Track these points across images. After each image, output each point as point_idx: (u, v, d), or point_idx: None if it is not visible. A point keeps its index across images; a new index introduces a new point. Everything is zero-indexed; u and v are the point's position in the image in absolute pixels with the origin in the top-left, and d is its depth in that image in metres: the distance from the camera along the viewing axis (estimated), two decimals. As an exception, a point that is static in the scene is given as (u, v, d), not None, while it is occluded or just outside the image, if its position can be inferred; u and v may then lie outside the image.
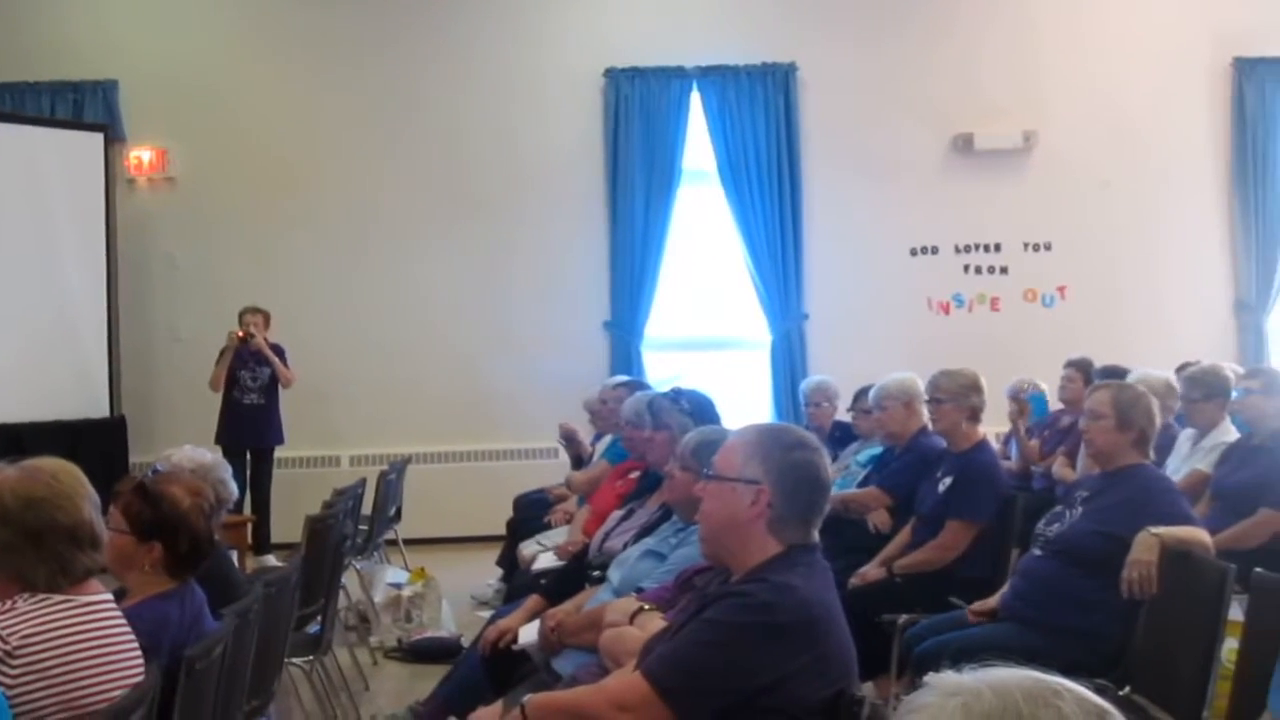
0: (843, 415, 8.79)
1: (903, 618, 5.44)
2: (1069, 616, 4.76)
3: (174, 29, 11.76)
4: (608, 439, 8.42)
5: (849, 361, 10.54)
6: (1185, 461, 6.87)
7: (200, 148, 11.66)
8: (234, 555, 6.68)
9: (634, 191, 11.74)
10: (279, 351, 10.65)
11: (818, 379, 9.34)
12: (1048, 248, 12.12)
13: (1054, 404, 9.20)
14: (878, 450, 7.38)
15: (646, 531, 5.06)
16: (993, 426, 7.33)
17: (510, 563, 8.47)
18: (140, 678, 3.15)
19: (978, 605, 5.13)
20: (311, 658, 5.88)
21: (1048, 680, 1.42)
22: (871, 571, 6.04)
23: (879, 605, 5.56)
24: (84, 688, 3.05)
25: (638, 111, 11.80)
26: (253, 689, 4.38)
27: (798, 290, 11.88)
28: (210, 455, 4.98)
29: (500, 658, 4.87)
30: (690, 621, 3.06)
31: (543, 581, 5.81)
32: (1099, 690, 1.45)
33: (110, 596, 3.31)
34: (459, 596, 8.78)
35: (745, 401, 11.37)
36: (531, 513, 8.86)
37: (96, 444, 10.35)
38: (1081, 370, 8.72)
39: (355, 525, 8.07)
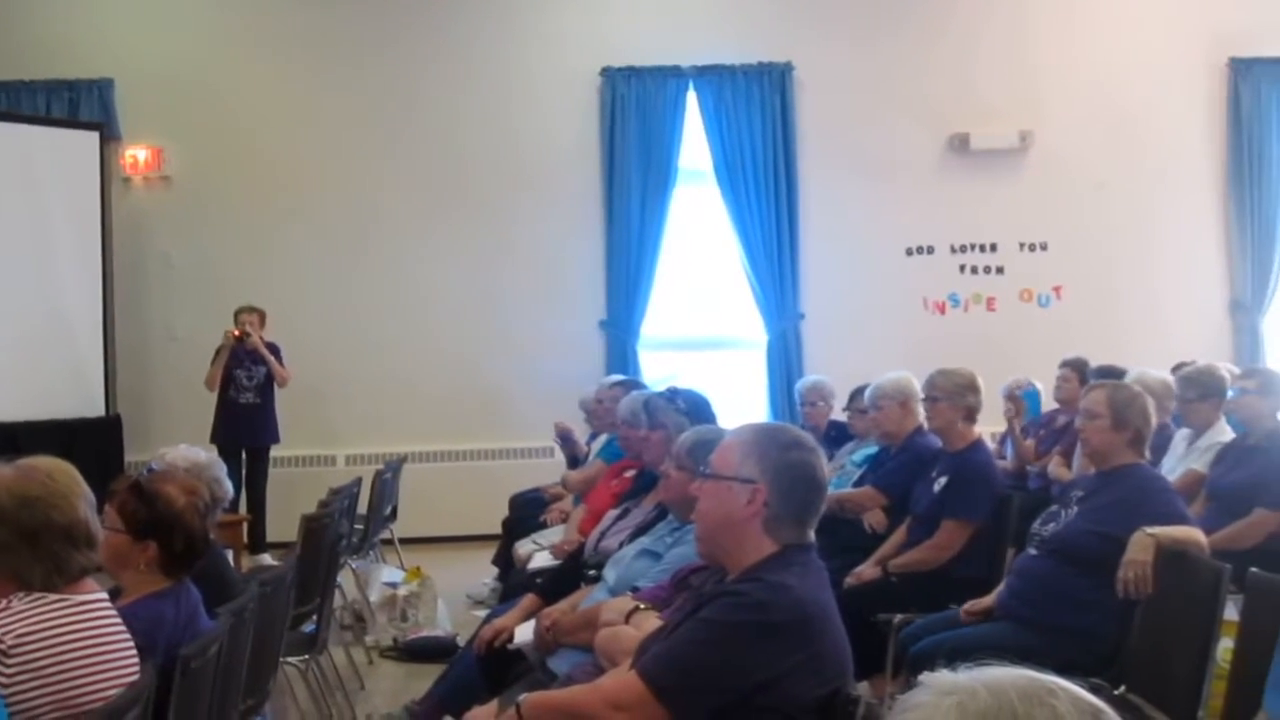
0: (838, 415, 8.79)
1: (898, 617, 5.43)
2: (1064, 616, 4.77)
3: (170, 28, 11.75)
4: (603, 438, 8.43)
5: (845, 361, 10.54)
6: (1181, 461, 6.87)
7: (196, 147, 11.65)
8: (229, 554, 6.66)
9: (630, 191, 11.74)
10: (274, 350, 10.64)
11: (813, 378, 9.33)
12: (1043, 248, 12.13)
13: (1049, 404, 9.21)
14: (873, 450, 7.38)
15: (642, 531, 5.06)
16: (988, 426, 7.33)
17: (506, 562, 8.47)
18: (135, 677, 3.16)
19: (972, 604, 5.13)
20: (307, 657, 5.88)
21: (1043, 679, 1.42)
22: (867, 571, 6.05)
23: (874, 604, 5.56)
24: (79, 687, 3.05)
25: (634, 111, 11.80)
26: (248, 688, 4.38)
27: (793, 290, 11.88)
28: (205, 454, 4.97)
29: (496, 657, 4.87)
30: (686, 620, 3.07)
31: (538, 581, 5.81)
32: (1094, 689, 1.45)
33: (105, 595, 3.31)
34: (454, 596, 8.78)
35: (741, 401, 11.35)
36: (527, 512, 8.85)
37: (92, 443, 10.34)
38: (1077, 370, 8.72)
39: (351, 524, 8.06)
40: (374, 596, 8.18)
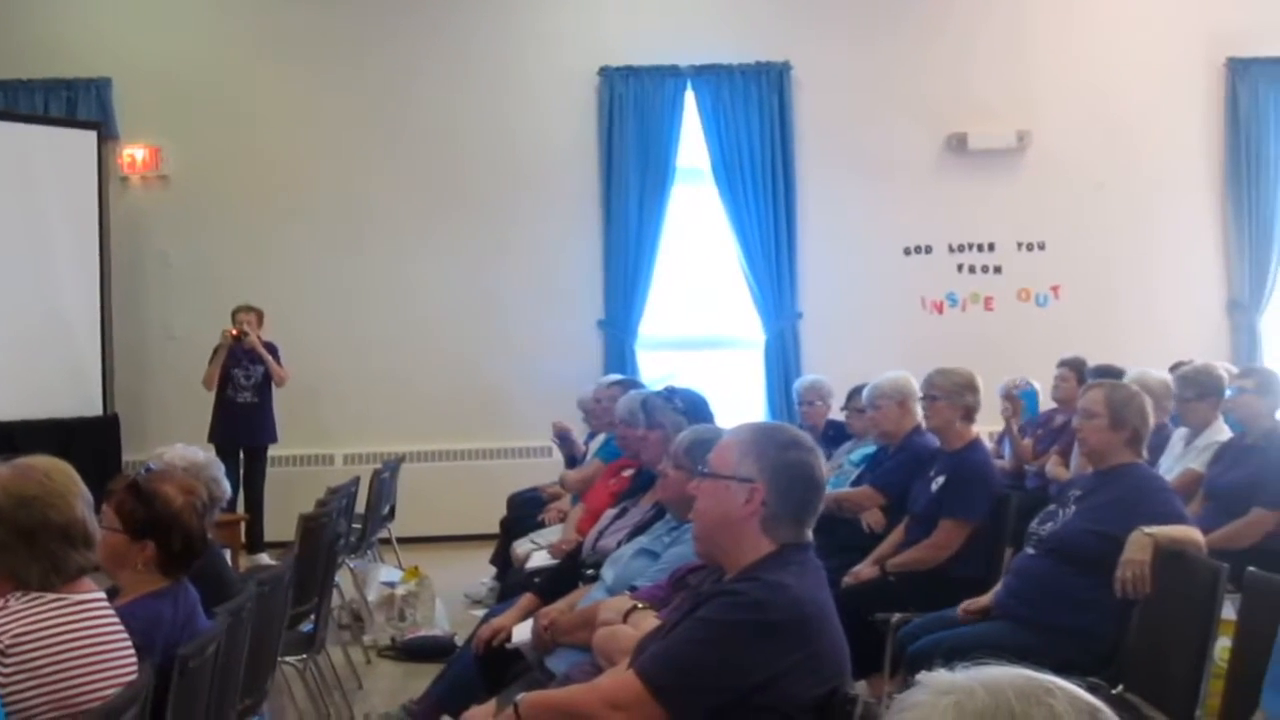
0: (836, 414, 8.80)
1: (896, 616, 5.44)
2: (1062, 615, 4.77)
3: (168, 27, 11.75)
4: (601, 437, 8.43)
5: (843, 360, 10.54)
6: (1178, 461, 6.88)
7: (194, 146, 11.64)
8: (227, 554, 6.67)
9: (628, 190, 11.74)
10: (272, 350, 10.64)
11: (811, 378, 9.34)
12: (1041, 247, 12.13)
13: (1047, 403, 9.21)
14: (871, 449, 7.38)
15: (640, 530, 5.06)
16: (986, 426, 7.33)
17: (504, 561, 8.47)
18: (133, 676, 3.16)
19: (969, 603, 5.13)
20: (305, 656, 5.88)
21: (1040, 678, 1.42)
22: (865, 570, 6.05)
23: (872, 604, 5.56)
24: (76, 686, 3.05)
25: (632, 110, 11.80)
26: (246, 688, 4.38)
27: (791, 289, 11.88)
28: (203, 454, 4.97)
29: (494, 656, 4.87)
30: (684, 620, 3.07)
31: (536, 580, 5.81)
32: (1092, 689, 1.45)
33: (103, 595, 3.31)
34: (452, 595, 8.77)
35: (739, 400, 11.34)
36: (525, 511, 8.85)
37: (89, 442, 10.34)
38: (1075, 370, 8.73)
39: (349, 524, 8.06)
40: (372, 596, 8.18)
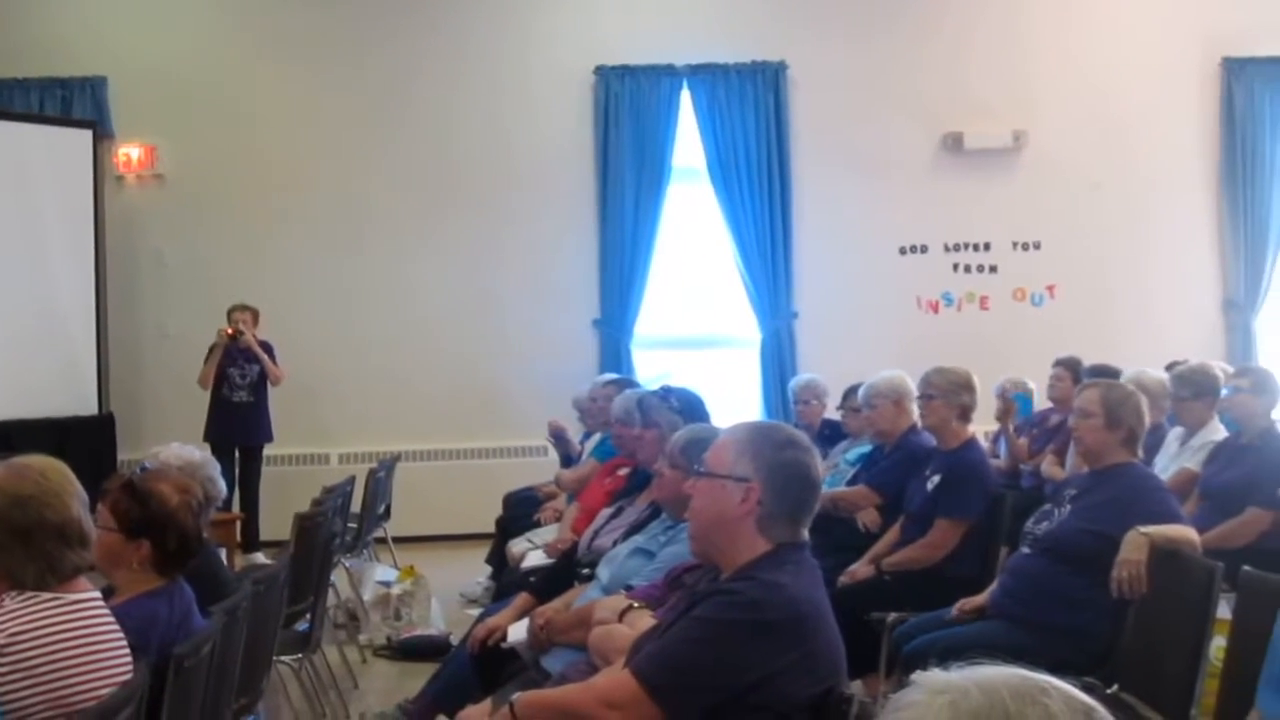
0: (832, 413, 8.80)
1: (891, 616, 5.44)
2: (1057, 614, 4.77)
3: (163, 26, 11.74)
4: (597, 437, 8.43)
5: (838, 360, 10.55)
6: (1174, 460, 6.88)
7: (189, 145, 11.64)
8: (222, 553, 6.66)
9: (624, 189, 11.74)
10: (268, 349, 10.63)
11: (806, 377, 9.35)
12: (1037, 247, 12.14)
13: (1043, 403, 9.22)
14: (867, 448, 7.38)
15: (636, 529, 5.06)
16: (982, 425, 7.33)
17: (499, 560, 8.47)
18: (128, 676, 3.15)
19: (964, 602, 5.13)
20: (300, 656, 5.88)
21: (1035, 678, 1.42)
22: (860, 570, 6.05)
23: (868, 603, 5.56)
24: (72, 686, 3.05)
25: (628, 109, 11.80)
26: (241, 687, 4.38)
27: (787, 288, 11.88)
28: (199, 453, 4.97)
29: (489, 655, 4.87)
30: (679, 619, 3.07)
31: (532, 579, 5.81)
32: (1087, 688, 1.45)
33: (98, 594, 3.31)
34: (448, 594, 8.78)
35: (735, 400, 11.35)
36: (521, 510, 8.85)
37: (85, 441, 10.34)
38: (1070, 369, 8.74)
39: (344, 523, 8.06)
40: (367, 595, 8.19)
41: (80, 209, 10.94)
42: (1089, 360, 8.75)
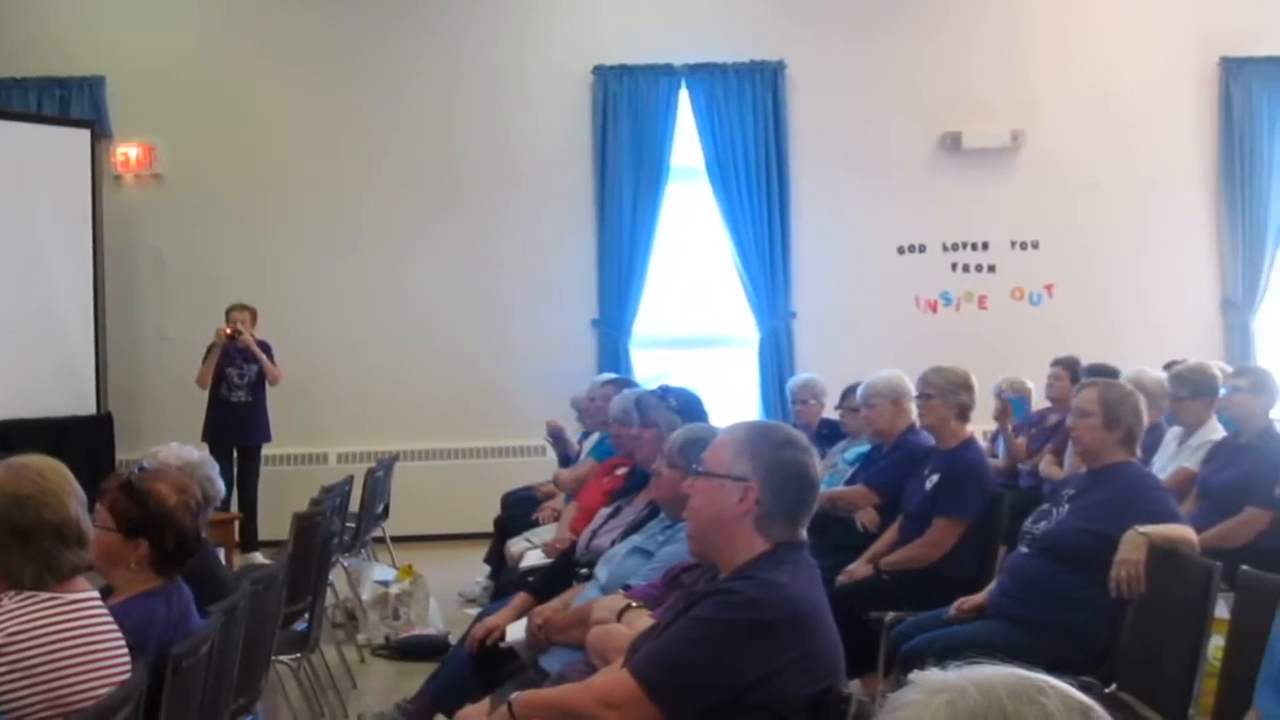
0: (830, 413, 8.80)
1: (890, 615, 5.44)
2: (1056, 614, 4.77)
3: (161, 25, 11.74)
4: (595, 436, 8.43)
5: (836, 359, 10.55)
6: (1172, 460, 6.88)
7: (187, 144, 11.63)
8: (221, 553, 6.66)
9: (622, 189, 11.74)
10: (266, 349, 10.63)
11: (804, 376, 9.35)
12: (1035, 246, 12.14)
13: (1041, 402, 9.22)
14: (865, 448, 7.39)
15: (634, 529, 5.06)
16: (980, 425, 7.34)
17: (498, 560, 8.47)
18: (126, 675, 3.15)
19: (963, 601, 5.13)
20: (299, 655, 5.88)
21: (1032, 677, 1.42)
22: (859, 569, 6.05)
23: (866, 603, 5.56)
24: (70, 685, 3.04)
25: (626, 109, 11.80)
26: (240, 687, 4.38)
27: (785, 288, 11.88)
28: (197, 452, 4.97)
29: (488, 655, 4.87)
30: (678, 619, 3.07)
31: (530, 579, 5.81)
32: (1084, 688, 1.45)
33: (96, 594, 3.31)
34: (446, 594, 8.77)
35: (733, 399, 11.36)
36: (519, 510, 8.86)
37: (83, 441, 10.34)
38: (1068, 369, 8.74)
39: (343, 522, 8.05)
40: (366, 595, 8.18)
41: (78, 209, 10.94)
42: (1087, 359, 8.75)
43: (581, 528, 6.07)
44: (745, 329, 11.99)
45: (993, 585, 5.13)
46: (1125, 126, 12.07)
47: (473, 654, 4.97)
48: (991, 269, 12.15)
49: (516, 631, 4.66)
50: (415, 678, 6.17)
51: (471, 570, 9.24)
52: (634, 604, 3.82)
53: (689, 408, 5.67)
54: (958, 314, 12.11)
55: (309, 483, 8.76)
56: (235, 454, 10.45)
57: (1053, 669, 1.46)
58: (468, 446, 11.66)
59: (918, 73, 12.01)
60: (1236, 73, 12.14)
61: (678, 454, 4.32)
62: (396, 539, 10.01)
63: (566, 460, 9.07)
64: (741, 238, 11.77)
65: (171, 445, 4.94)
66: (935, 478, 5.96)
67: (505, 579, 7.10)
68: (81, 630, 3.14)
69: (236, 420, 10.57)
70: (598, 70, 11.79)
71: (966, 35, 12.07)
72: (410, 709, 5.47)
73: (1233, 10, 12.10)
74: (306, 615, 6.11)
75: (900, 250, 12.08)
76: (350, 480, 8.40)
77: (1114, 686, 4.46)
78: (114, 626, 3.26)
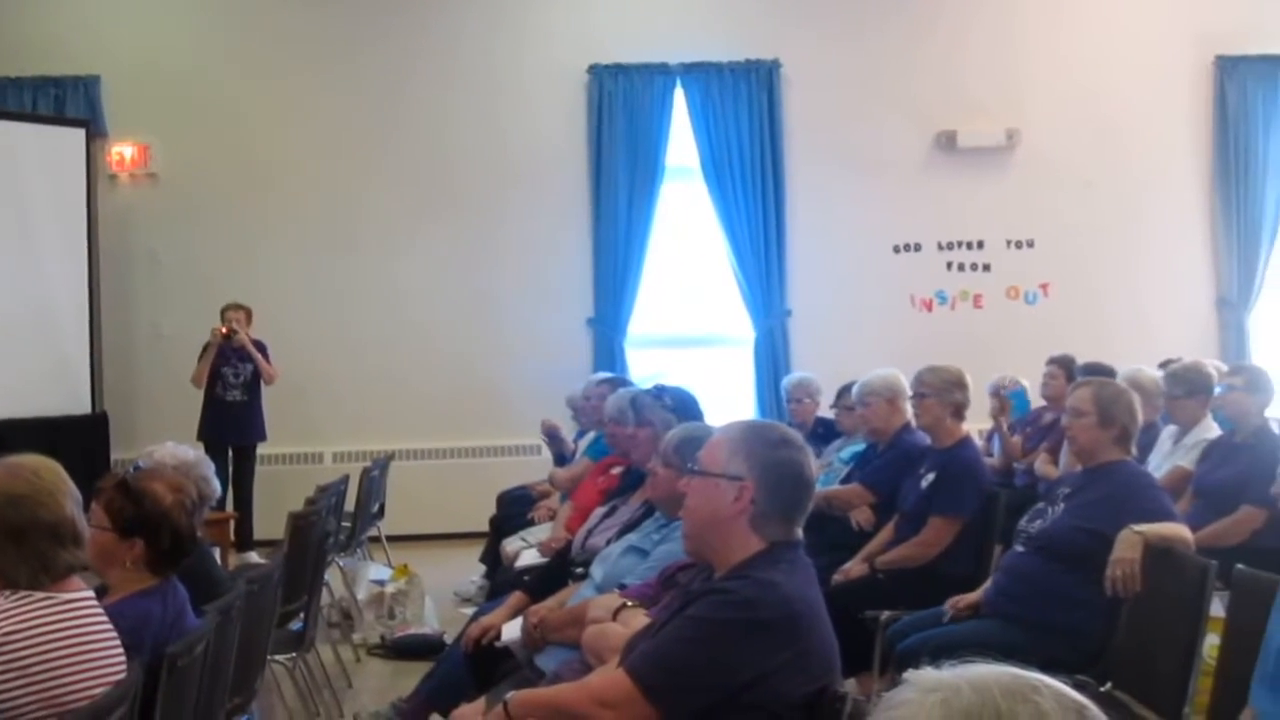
0: (825, 412, 8.81)
1: (885, 614, 5.44)
2: (1051, 612, 4.77)
3: (157, 25, 11.73)
4: (591, 435, 8.43)
5: (832, 358, 10.56)
6: (1167, 458, 6.89)
7: (183, 144, 11.62)
8: (216, 552, 6.68)
9: (617, 188, 11.73)
10: (261, 348, 10.62)
11: (799, 375, 9.36)
12: (1030, 245, 12.14)
13: (1036, 401, 9.22)
14: (860, 447, 7.39)
15: (629, 528, 5.06)
16: (976, 424, 7.34)
17: (493, 559, 8.48)
18: (122, 675, 3.15)
19: (958, 599, 5.14)
20: (294, 655, 5.88)
21: (1026, 676, 1.42)
22: (854, 568, 6.05)
23: (862, 602, 5.56)
24: (65, 685, 3.04)
25: (621, 108, 11.79)
26: (235, 686, 4.38)
27: (781, 287, 11.88)
28: (193, 452, 4.96)
29: (483, 654, 4.87)
30: (673, 618, 3.07)
31: (526, 578, 5.81)
32: (1079, 686, 1.45)
33: (92, 594, 3.31)
34: (442, 593, 8.77)
35: (728, 398, 11.35)
36: (514, 509, 8.86)
37: (78, 440, 10.31)
38: (1064, 367, 8.74)
39: (338, 522, 8.05)
40: (361, 594, 8.18)
41: (73, 208, 10.92)
42: (1082, 358, 8.75)
43: (577, 527, 6.07)
44: (740, 328, 11.99)
45: (988, 584, 5.14)
46: (1120, 125, 12.07)
47: (468, 653, 4.97)
48: (987, 268, 12.15)
49: (512, 631, 4.66)
50: (411, 677, 6.18)
51: (467, 569, 9.24)
52: (629, 603, 3.83)
53: (684, 407, 5.68)
54: (953, 313, 12.12)
55: (304, 482, 8.75)
56: (230, 453, 10.45)
57: (1048, 668, 1.46)
58: (463, 446, 11.66)
59: (913, 71, 12.01)
60: (1231, 71, 12.14)
61: (673, 453, 4.32)
62: (392, 538, 10.01)
63: (562, 459, 9.07)
64: (737, 236, 11.77)
65: (167, 444, 4.94)
66: (931, 476, 5.96)
67: (501, 578, 7.10)
68: (77, 630, 3.14)
69: (232, 419, 10.57)
70: (593, 69, 11.78)
71: (961, 34, 12.07)
72: (406, 708, 5.47)
73: (1227, 9, 12.10)
74: (302, 615, 6.11)
75: (895, 249, 12.09)
76: (346, 479, 8.40)
77: (1109, 685, 4.46)
78: (109, 626, 3.26)
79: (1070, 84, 12.09)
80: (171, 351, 11.14)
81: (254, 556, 9.91)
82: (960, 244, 12.13)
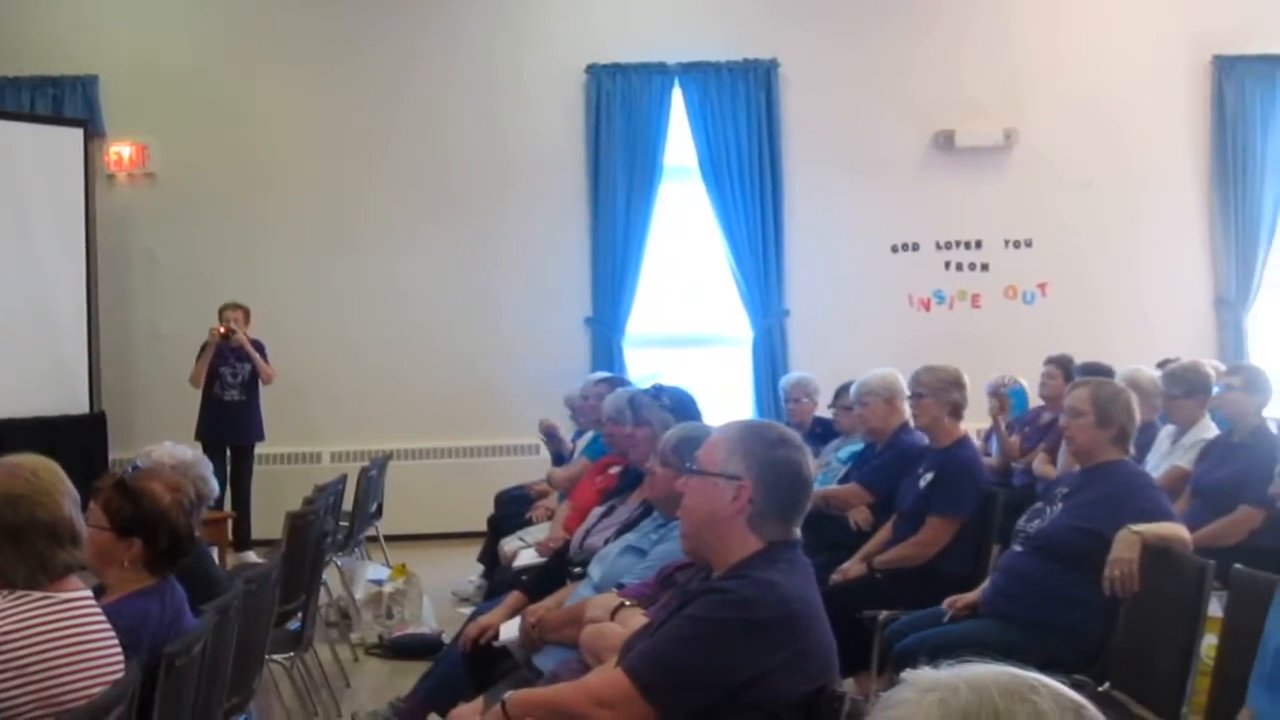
0: (823, 411, 8.80)
1: (883, 614, 5.44)
2: (1049, 612, 4.78)
3: (155, 24, 11.72)
4: (589, 435, 8.43)
5: (830, 358, 10.56)
6: (1165, 458, 6.90)
7: (180, 143, 11.62)
8: (214, 552, 6.67)
9: (616, 188, 11.73)
10: (259, 347, 10.62)
11: (797, 375, 9.35)
12: (1028, 244, 12.14)
13: (1034, 400, 9.22)
14: (859, 446, 7.39)
15: (627, 528, 5.06)
16: (974, 423, 7.34)
17: (491, 559, 8.47)
18: (119, 674, 3.15)
19: (956, 597, 5.14)
20: (292, 654, 5.88)
21: (1024, 676, 1.42)
22: (852, 568, 6.06)
23: (860, 601, 5.56)
24: (63, 685, 3.04)
25: (619, 108, 11.79)
26: (233, 686, 4.38)
27: (779, 286, 11.88)
28: (191, 452, 4.96)
29: (481, 654, 4.87)
30: (671, 618, 3.07)
31: (524, 578, 5.81)
32: (1077, 686, 1.45)
33: (90, 593, 3.31)
34: (440, 593, 8.77)
35: (726, 398, 11.35)
36: (513, 509, 8.86)
37: (76, 440, 10.31)
38: (1062, 367, 8.74)
39: (336, 521, 8.05)
40: (359, 594, 8.17)
41: (71, 207, 10.91)
42: (1080, 358, 8.75)
43: (575, 526, 6.08)
44: (739, 327, 11.99)
45: (986, 584, 5.14)
46: (1118, 125, 12.07)
47: (466, 653, 4.97)
48: (985, 267, 12.15)
49: (510, 630, 4.65)
50: (409, 677, 6.18)
51: (465, 569, 9.23)
52: (627, 603, 3.82)
53: (682, 406, 5.67)
54: (951, 312, 12.12)
55: (302, 482, 8.74)
56: (229, 453, 10.44)
57: (1046, 667, 1.46)
58: (461, 445, 11.66)
59: (911, 71, 12.01)
60: (1229, 71, 12.15)
61: (671, 453, 4.32)
62: (390, 538, 10.01)
63: (560, 459, 9.07)
64: (735, 236, 11.77)
65: (165, 444, 4.94)
66: (929, 476, 5.97)
67: (499, 578, 7.10)
68: (74, 629, 3.14)
69: (230, 419, 10.56)
70: (591, 69, 11.78)
71: (959, 34, 12.07)
72: (404, 708, 5.48)
73: (1225, 9, 12.11)
74: (300, 614, 6.10)
75: (894, 249, 12.09)
76: (344, 479, 8.40)
77: (1107, 685, 4.46)
78: (107, 626, 3.26)
79: (1068, 84, 12.09)
80: (170, 351, 11.14)
81: (252, 556, 9.90)
82: (958, 244, 12.13)
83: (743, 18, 11.98)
